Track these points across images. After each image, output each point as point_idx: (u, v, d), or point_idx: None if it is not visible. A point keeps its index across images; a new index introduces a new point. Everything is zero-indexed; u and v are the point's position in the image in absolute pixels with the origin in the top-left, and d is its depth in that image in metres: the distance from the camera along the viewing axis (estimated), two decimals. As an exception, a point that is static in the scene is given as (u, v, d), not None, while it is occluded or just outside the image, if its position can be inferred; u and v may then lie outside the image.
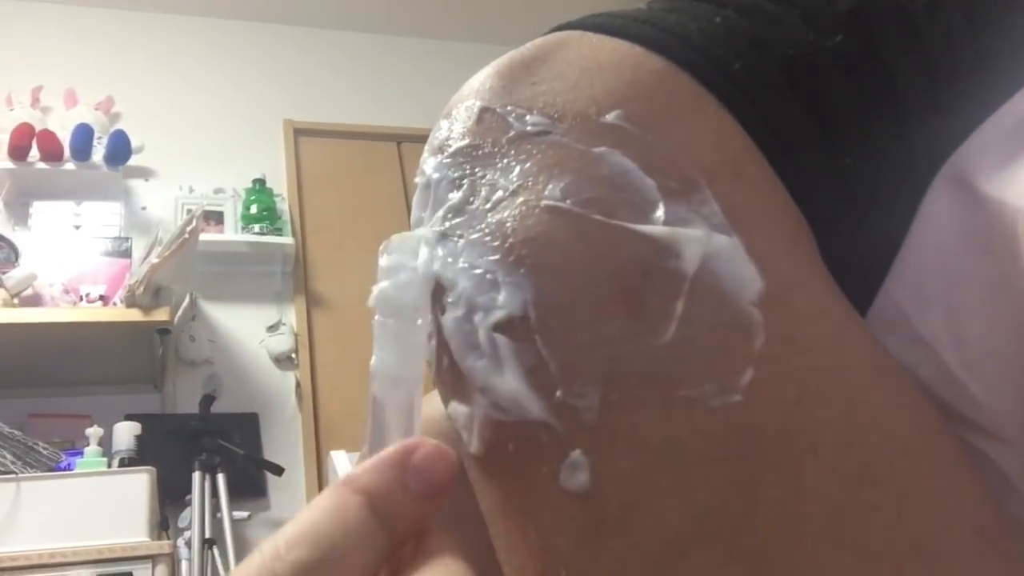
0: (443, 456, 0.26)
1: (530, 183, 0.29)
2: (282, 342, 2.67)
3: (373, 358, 0.29)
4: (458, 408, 0.29)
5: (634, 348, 0.26)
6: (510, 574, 0.28)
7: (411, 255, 0.30)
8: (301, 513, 0.24)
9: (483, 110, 0.32)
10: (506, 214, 0.28)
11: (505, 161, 0.30)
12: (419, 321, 0.29)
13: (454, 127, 0.32)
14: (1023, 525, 0.28)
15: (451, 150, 0.32)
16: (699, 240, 0.27)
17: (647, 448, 0.25)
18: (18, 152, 2.54)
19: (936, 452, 0.26)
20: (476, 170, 0.30)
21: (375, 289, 0.30)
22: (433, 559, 0.25)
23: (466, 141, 0.31)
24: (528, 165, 0.29)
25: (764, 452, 0.24)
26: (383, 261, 0.31)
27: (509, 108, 0.31)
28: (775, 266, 0.27)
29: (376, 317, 0.30)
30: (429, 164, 0.32)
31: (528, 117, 0.30)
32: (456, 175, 0.31)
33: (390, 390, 0.29)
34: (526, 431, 0.26)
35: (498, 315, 0.27)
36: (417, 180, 0.33)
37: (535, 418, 0.26)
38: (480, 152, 0.31)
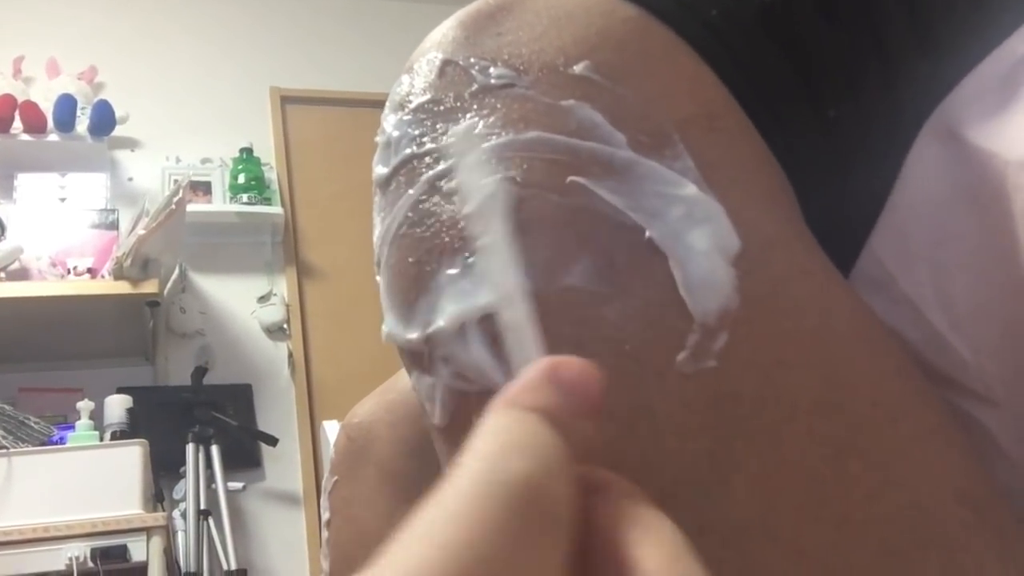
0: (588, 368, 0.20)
1: (493, 139, 0.27)
2: (273, 312, 2.65)
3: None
4: (421, 379, 0.28)
5: (602, 311, 0.24)
6: None
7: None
8: (480, 435, 0.19)
9: (445, 63, 0.30)
10: None
11: (467, 116, 0.28)
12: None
13: (415, 82, 0.31)
14: (1011, 491, 0.27)
15: (412, 106, 0.30)
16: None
17: (613, 418, 0.24)
18: (0, 124, 2.50)
19: (922, 418, 0.25)
20: (438, 126, 0.29)
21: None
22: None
23: (427, 96, 0.30)
24: (491, 120, 0.28)
25: (740, 420, 0.23)
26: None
27: (472, 60, 0.29)
28: (752, 224, 0.26)
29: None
30: (389, 121, 0.31)
31: (492, 69, 0.29)
32: (417, 132, 0.29)
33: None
34: (491, 402, 0.25)
35: None
36: (377, 139, 0.31)
37: (500, 388, 0.25)
38: (441, 107, 0.29)
